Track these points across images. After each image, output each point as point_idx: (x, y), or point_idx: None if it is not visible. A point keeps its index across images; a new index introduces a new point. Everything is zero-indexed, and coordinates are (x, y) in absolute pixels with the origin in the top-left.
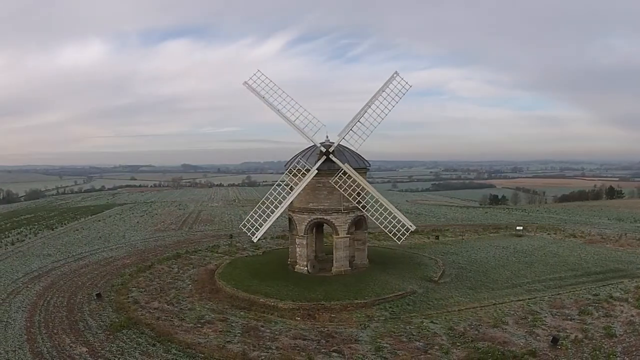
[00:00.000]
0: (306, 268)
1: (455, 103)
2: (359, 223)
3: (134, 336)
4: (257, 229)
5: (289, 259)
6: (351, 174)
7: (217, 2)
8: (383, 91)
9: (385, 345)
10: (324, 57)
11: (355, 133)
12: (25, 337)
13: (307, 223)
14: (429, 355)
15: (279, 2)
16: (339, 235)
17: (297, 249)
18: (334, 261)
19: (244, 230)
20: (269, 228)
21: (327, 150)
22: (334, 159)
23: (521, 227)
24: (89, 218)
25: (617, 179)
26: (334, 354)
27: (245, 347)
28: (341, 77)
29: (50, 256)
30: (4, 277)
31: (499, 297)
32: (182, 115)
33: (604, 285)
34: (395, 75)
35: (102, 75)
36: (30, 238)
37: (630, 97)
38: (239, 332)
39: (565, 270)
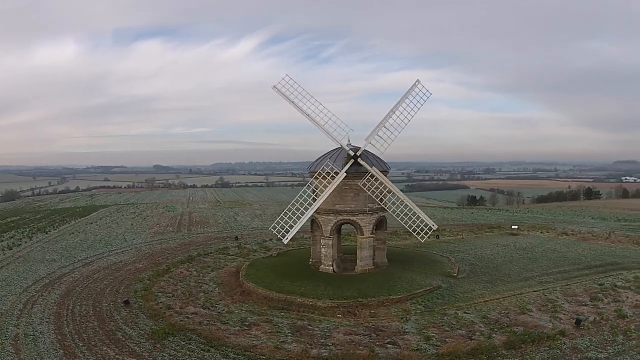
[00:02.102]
0: (332, 268)
1: (427, 104)
2: (379, 223)
3: (182, 343)
4: (287, 231)
5: (311, 259)
6: (378, 177)
7: (190, 2)
8: (406, 98)
9: (432, 334)
10: (297, 58)
11: (381, 137)
12: (62, 351)
13: (334, 224)
14: (474, 341)
15: (252, 2)
16: (363, 235)
17: (322, 250)
18: (358, 260)
19: (274, 232)
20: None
21: (355, 154)
22: (362, 162)
23: (516, 226)
24: (80, 220)
25: (591, 180)
26: (389, 345)
27: (302, 346)
28: (314, 78)
29: (55, 261)
30: (12, 285)
31: (516, 289)
32: (154, 116)
33: (605, 277)
34: (417, 83)
35: (75, 75)
36: (26, 242)
37: (603, 99)
38: (289, 332)
39: (567, 264)
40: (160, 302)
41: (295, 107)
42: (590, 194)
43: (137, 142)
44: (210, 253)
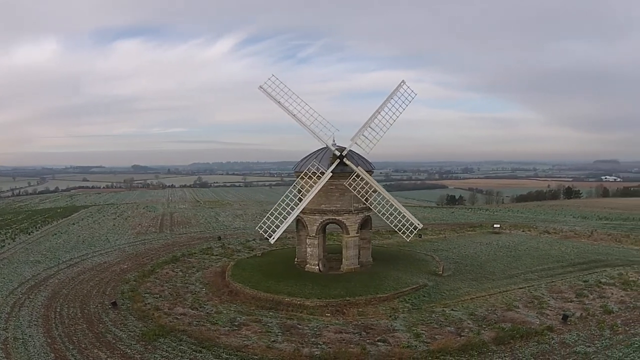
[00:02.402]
0: (318, 267)
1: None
2: (364, 223)
3: (173, 344)
4: (273, 231)
5: (296, 259)
6: (364, 176)
7: (170, 1)
8: (391, 98)
9: (421, 332)
10: (275, 58)
11: (366, 138)
12: (53, 355)
13: (319, 224)
14: (464, 337)
15: (230, 2)
16: (349, 234)
17: (308, 249)
18: (344, 259)
19: (260, 232)
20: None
21: (341, 154)
22: (347, 162)
23: (498, 225)
24: (62, 221)
25: (571, 179)
26: (380, 343)
27: (294, 345)
28: (292, 78)
29: (40, 263)
30: None
31: (501, 286)
32: (132, 116)
33: (589, 274)
34: (402, 83)
35: (55, 75)
36: (9, 243)
37: (583, 100)
38: (279, 332)
39: (551, 262)
40: (148, 303)
41: (282, 108)
42: (571, 193)
43: (115, 142)
44: (195, 253)
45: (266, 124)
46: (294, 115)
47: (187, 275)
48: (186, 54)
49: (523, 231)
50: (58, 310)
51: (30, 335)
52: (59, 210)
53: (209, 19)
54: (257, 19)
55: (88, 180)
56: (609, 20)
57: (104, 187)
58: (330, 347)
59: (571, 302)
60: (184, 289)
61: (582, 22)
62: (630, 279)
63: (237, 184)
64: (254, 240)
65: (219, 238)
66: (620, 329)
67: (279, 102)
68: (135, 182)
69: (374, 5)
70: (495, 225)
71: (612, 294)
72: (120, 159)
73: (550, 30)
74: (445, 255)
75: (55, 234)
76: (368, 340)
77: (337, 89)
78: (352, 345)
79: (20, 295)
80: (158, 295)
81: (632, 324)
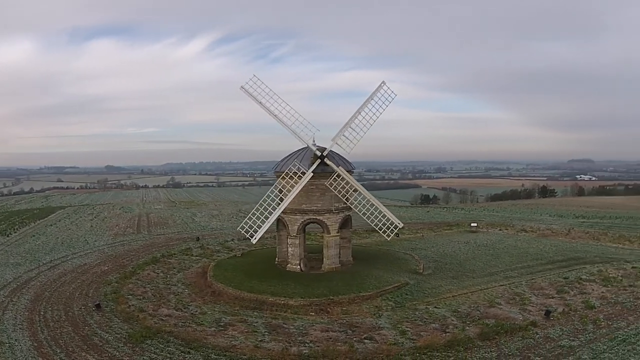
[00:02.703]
0: (299, 266)
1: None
2: (345, 222)
3: (161, 345)
4: (255, 231)
5: (277, 259)
6: (344, 176)
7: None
8: (372, 99)
9: (407, 329)
10: (248, 57)
11: (347, 138)
12: (40, 359)
13: (300, 223)
14: (449, 334)
15: (205, 1)
16: (330, 234)
17: (289, 249)
18: (325, 259)
19: (242, 232)
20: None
21: (322, 154)
22: (328, 162)
23: (476, 224)
24: (39, 222)
25: (545, 178)
26: (366, 340)
27: (281, 344)
28: (265, 77)
29: (20, 265)
30: None
31: (482, 284)
32: (106, 116)
33: (569, 271)
34: (382, 84)
35: (29, 75)
36: None
37: (557, 100)
38: (265, 332)
39: (530, 259)
40: (132, 305)
41: (263, 108)
42: (546, 192)
43: (89, 142)
44: (174, 254)
45: (239, 123)
46: (275, 115)
47: (168, 276)
48: (160, 53)
49: (500, 230)
50: (42, 313)
51: (16, 339)
52: (35, 212)
53: (183, 18)
54: (231, 18)
55: (62, 181)
56: (584, 22)
57: (78, 188)
58: (318, 346)
59: (552, 298)
60: (167, 290)
61: (558, 23)
62: (611, 275)
63: (210, 184)
64: (232, 240)
65: (197, 239)
66: (603, 323)
67: (260, 102)
68: (109, 182)
69: (349, 5)
70: (472, 224)
71: (593, 290)
72: (94, 159)
73: (525, 31)
74: (424, 254)
75: (34, 236)
76: (355, 338)
77: (311, 89)
78: (339, 343)
79: (3, 299)
80: (141, 297)
81: (615, 319)
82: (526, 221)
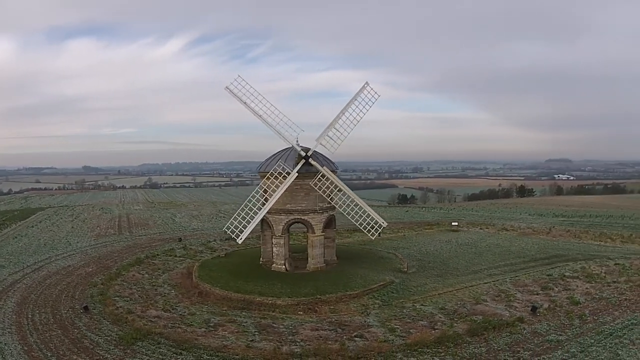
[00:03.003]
0: (284, 266)
1: (354, 104)
2: (329, 222)
3: (153, 347)
4: (241, 231)
5: (261, 259)
6: (329, 176)
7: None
8: (355, 100)
9: (396, 326)
10: (224, 57)
11: (331, 138)
12: None
13: (285, 223)
14: (437, 330)
15: (182, 1)
16: (315, 233)
17: (274, 249)
18: (309, 258)
19: (228, 232)
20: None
21: (306, 155)
22: (313, 162)
23: (456, 223)
24: (20, 224)
25: (522, 178)
26: (357, 338)
27: (273, 344)
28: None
29: (4, 267)
30: None
31: (466, 282)
32: (83, 116)
33: (552, 268)
34: (365, 85)
35: (5, 75)
36: None
37: (533, 100)
38: (255, 331)
39: (512, 257)
40: (120, 307)
41: (248, 108)
42: (524, 192)
43: (66, 143)
44: (158, 255)
45: (215, 124)
46: (259, 115)
47: (153, 277)
48: (136, 53)
49: (481, 229)
50: (30, 316)
51: (5, 344)
52: (15, 213)
53: (160, 18)
54: (207, 18)
55: (40, 182)
56: (560, 22)
57: (56, 189)
58: (309, 345)
59: (537, 294)
60: (153, 292)
61: (534, 23)
62: (594, 272)
63: (187, 184)
64: (214, 241)
65: (180, 239)
66: (589, 318)
67: (245, 102)
68: (87, 183)
69: (323, 5)
70: (453, 223)
71: (577, 286)
72: (72, 160)
73: (501, 31)
74: (407, 253)
75: (16, 237)
76: (345, 337)
77: (287, 89)
78: (329, 342)
79: None
80: (128, 299)
81: (600, 313)
82: (506, 220)
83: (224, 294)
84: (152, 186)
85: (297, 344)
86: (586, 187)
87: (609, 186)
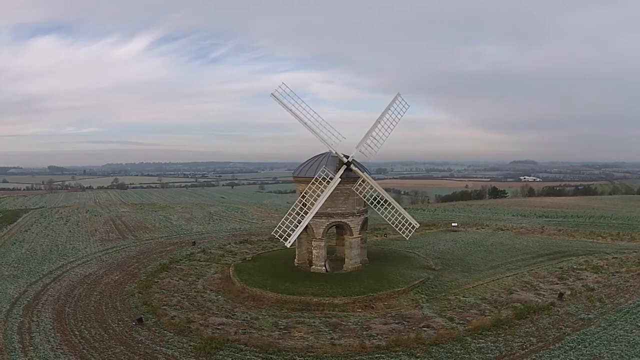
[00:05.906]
0: (324, 267)
1: (316, 105)
2: (363, 224)
3: (236, 355)
4: (289, 235)
5: (297, 261)
6: (369, 181)
7: None
8: (389, 109)
9: (452, 316)
10: (187, 57)
11: (369, 145)
12: None
13: (325, 227)
14: (489, 317)
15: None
16: (353, 235)
17: (314, 251)
18: (347, 259)
19: (276, 236)
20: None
21: (348, 161)
22: (354, 168)
23: (456, 224)
24: (10, 228)
25: (488, 179)
26: (425, 329)
27: (353, 339)
28: (203, 78)
29: (19, 277)
30: None
31: (491, 276)
32: (47, 115)
33: (560, 262)
34: (397, 96)
35: None
36: None
37: (495, 102)
38: (329, 330)
39: (520, 254)
40: (175, 317)
41: (293, 115)
42: (497, 193)
43: (31, 143)
44: (180, 260)
45: (177, 124)
46: (304, 123)
47: (189, 283)
48: (100, 52)
49: (477, 229)
50: (77, 332)
51: None
52: (0, 216)
53: (124, 16)
54: (171, 17)
55: (8, 182)
56: (522, 25)
57: (25, 189)
58: (386, 337)
59: (557, 284)
60: (200, 298)
61: (495, 26)
62: (598, 264)
63: (153, 185)
64: (229, 244)
65: (194, 243)
66: (606, 300)
67: (290, 109)
68: (54, 183)
69: (284, 6)
70: (453, 224)
71: (587, 276)
72: (36, 160)
73: (462, 33)
74: (424, 252)
75: (14, 243)
76: (413, 328)
77: (248, 89)
78: (403, 333)
79: (21, 319)
80: (178, 307)
81: (614, 297)
82: (494, 220)
83: (278, 296)
84: (119, 187)
85: (378, 337)
86: (556, 188)
87: (580, 187)
